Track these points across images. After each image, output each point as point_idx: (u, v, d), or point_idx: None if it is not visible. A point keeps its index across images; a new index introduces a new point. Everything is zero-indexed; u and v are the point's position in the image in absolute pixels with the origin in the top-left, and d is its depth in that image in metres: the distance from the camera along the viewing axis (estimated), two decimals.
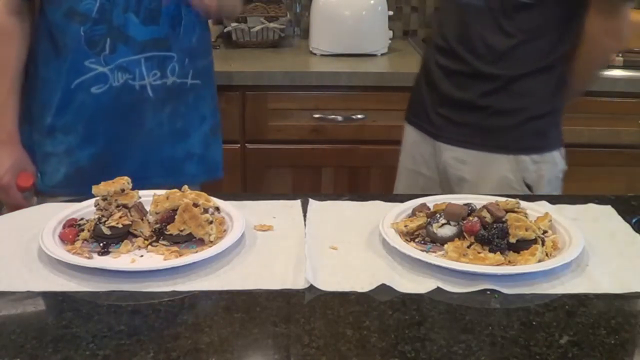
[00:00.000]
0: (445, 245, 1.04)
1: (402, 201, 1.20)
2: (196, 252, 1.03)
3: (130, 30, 1.40)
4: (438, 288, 0.96)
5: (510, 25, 1.45)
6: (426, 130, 1.61)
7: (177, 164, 1.54)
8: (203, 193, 1.13)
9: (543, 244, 1.04)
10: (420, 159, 1.64)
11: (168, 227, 1.06)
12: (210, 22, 2.54)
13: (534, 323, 0.89)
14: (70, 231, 1.07)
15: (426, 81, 1.62)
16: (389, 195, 1.39)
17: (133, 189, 1.11)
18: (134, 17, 1.40)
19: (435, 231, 1.07)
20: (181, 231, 1.05)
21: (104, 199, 1.09)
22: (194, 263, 1.00)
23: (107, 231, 1.05)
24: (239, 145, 2.24)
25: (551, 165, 1.53)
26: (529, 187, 1.52)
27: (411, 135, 1.67)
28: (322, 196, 1.27)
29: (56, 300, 0.93)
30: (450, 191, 1.55)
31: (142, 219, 1.09)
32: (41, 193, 1.49)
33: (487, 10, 1.46)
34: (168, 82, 1.47)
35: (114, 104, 1.43)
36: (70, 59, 1.40)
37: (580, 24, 1.46)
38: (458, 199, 1.16)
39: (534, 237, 1.03)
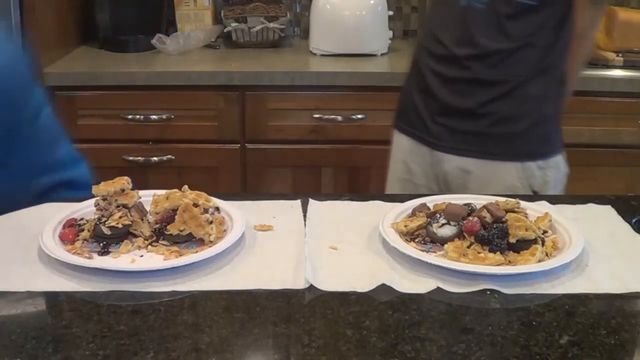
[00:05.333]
0: (445, 245, 1.04)
1: (402, 201, 1.20)
2: (196, 252, 1.03)
3: None
4: (438, 288, 0.96)
5: (513, 28, 1.43)
6: (423, 140, 1.56)
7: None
8: (203, 193, 1.13)
9: (543, 244, 1.04)
10: (417, 169, 1.59)
11: (168, 227, 1.06)
12: (210, 22, 2.55)
13: (534, 323, 0.89)
14: (70, 231, 1.07)
15: (419, 88, 1.57)
16: (389, 195, 1.39)
17: None
18: None
19: (435, 231, 1.07)
20: (181, 231, 1.05)
21: (104, 199, 1.08)
22: (194, 263, 1.00)
23: (107, 231, 1.05)
24: (239, 145, 2.24)
25: (555, 170, 1.52)
26: (535, 193, 1.49)
27: (404, 145, 1.62)
28: (322, 196, 1.27)
29: (56, 300, 0.93)
30: None
31: (142, 219, 1.09)
32: None
33: (491, 13, 1.44)
34: None
35: None
36: None
37: (572, 20, 1.47)
38: (458, 199, 1.16)
39: (534, 237, 1.03)
